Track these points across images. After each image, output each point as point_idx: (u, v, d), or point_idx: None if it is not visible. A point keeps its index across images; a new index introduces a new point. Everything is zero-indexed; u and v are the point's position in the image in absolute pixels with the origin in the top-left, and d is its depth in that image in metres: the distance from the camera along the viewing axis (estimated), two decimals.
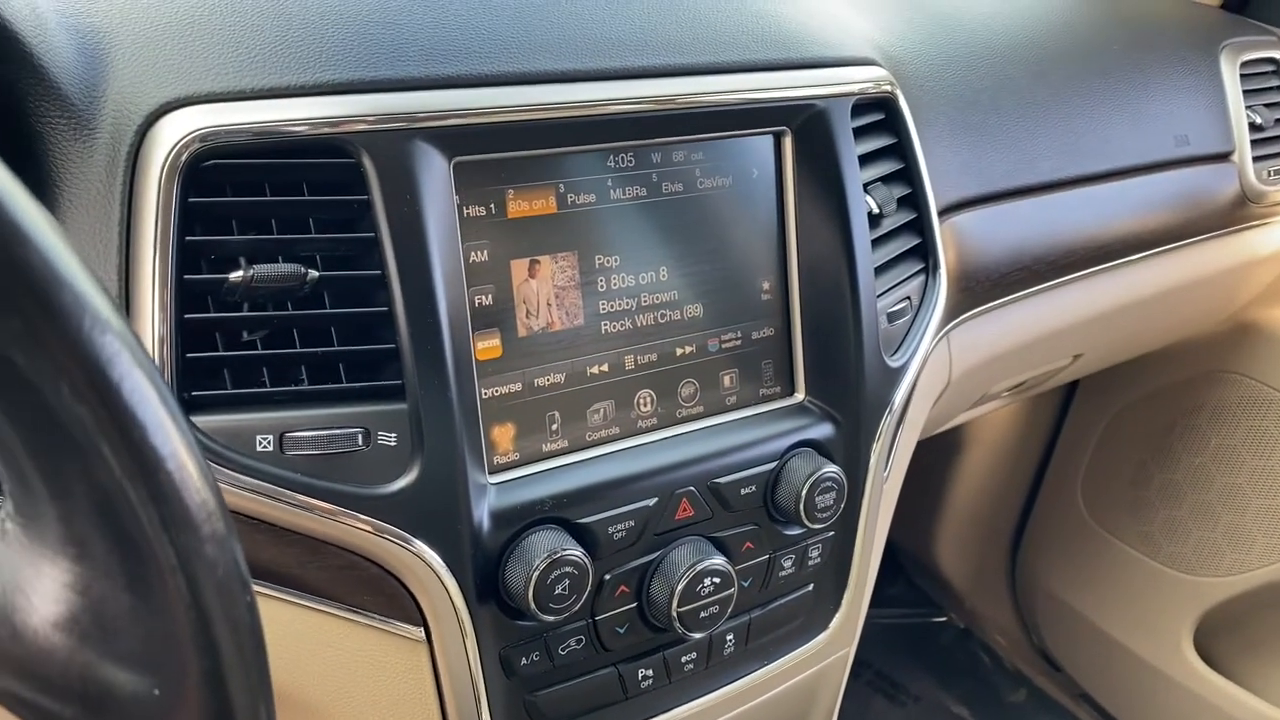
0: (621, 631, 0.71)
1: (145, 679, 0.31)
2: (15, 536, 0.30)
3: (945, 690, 1.87)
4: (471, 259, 0.65)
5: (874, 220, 0.81)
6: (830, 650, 0.85)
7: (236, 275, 0.58)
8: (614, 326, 0.72)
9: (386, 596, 0.63)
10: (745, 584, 0.76)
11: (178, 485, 0.30)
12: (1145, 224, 1.16)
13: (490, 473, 0.67)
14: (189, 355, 0.58)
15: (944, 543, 1.93)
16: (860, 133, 0.80)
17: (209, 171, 0.58)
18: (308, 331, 0.61)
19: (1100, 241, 1.10)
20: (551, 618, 0.65)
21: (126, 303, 0.57)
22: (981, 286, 0.99)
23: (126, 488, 0.30)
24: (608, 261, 0.71)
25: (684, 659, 0.75)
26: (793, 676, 0.83)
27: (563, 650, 0.69)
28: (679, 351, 0.75)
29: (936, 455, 1.87)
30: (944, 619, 2.01)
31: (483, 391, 0.67)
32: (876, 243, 0.81)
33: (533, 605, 0.64)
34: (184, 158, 0.56)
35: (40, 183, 0.57)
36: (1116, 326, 1.25)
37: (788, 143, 0.77)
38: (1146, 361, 1.57)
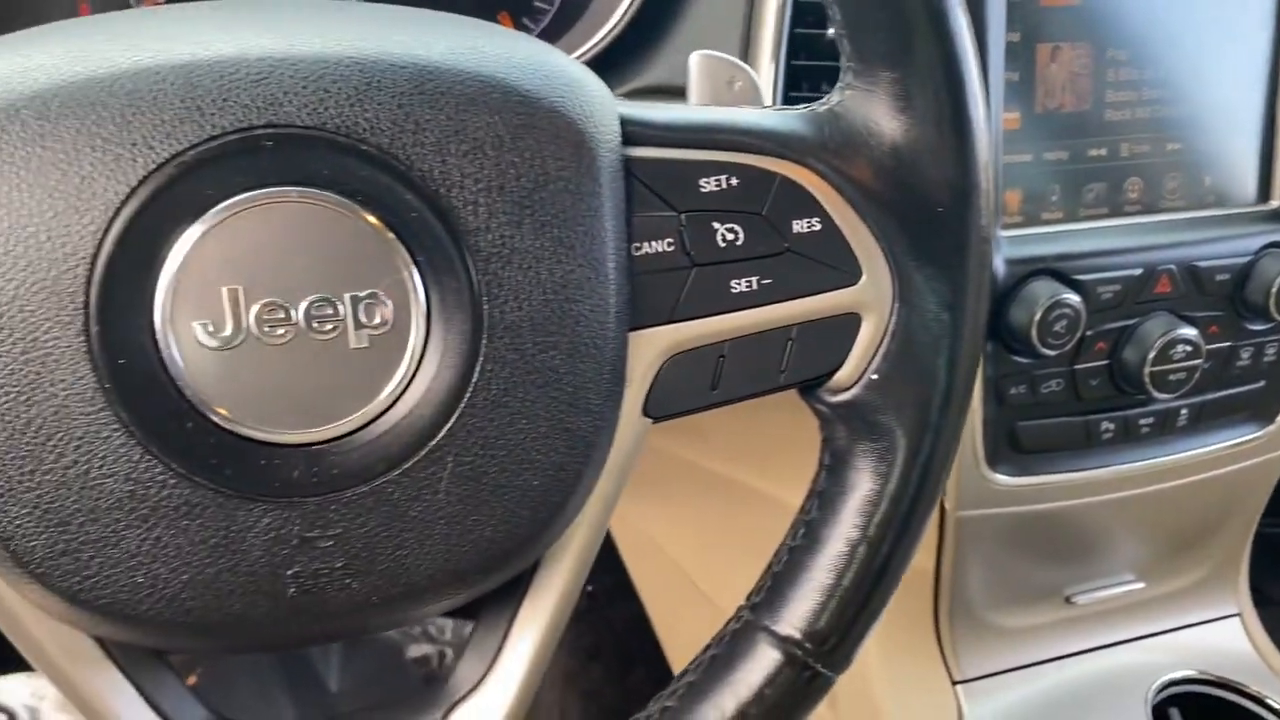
0: (1094, 384, 0.81)
1: None
2: (853, 98, 0.46)
3: None
4: (1008, 39, 0.76)
5: None
6: (1270, 447, 0.91)
7: (831, 32, 0.72)
8: (1115, 115, 0.81)
9: None
10: (1206, 366, 0.83)
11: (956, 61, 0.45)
12: None
13: (1001, 228, 0.78)
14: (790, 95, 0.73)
15: None
16: None
17: None
18: None
19: None
20: (1048, 351, 0.76)
21: (746, 45, 0.73)
22: None
23: (955, 61, 0.44)
24: (1118, 55, 0.79)
25: (1141, 422, 0.84)
26: (1231, 463, 0.90)
27: (1044, 389, 0.80)
28: (1169, 146, 0.82)
29: None
30: None
31: (1002, 157, 0.78)
32: None
33: (1035, 339, 0.75)
34: None
35: None
36: None
37: None
38: None
